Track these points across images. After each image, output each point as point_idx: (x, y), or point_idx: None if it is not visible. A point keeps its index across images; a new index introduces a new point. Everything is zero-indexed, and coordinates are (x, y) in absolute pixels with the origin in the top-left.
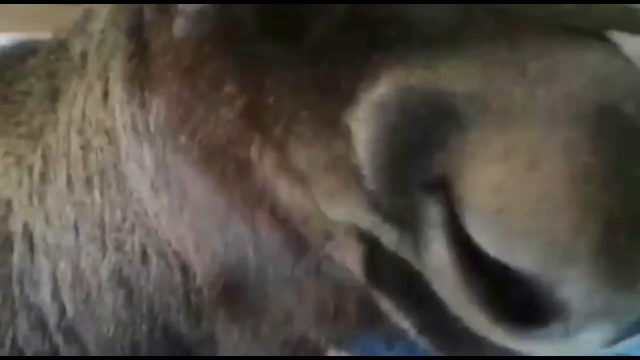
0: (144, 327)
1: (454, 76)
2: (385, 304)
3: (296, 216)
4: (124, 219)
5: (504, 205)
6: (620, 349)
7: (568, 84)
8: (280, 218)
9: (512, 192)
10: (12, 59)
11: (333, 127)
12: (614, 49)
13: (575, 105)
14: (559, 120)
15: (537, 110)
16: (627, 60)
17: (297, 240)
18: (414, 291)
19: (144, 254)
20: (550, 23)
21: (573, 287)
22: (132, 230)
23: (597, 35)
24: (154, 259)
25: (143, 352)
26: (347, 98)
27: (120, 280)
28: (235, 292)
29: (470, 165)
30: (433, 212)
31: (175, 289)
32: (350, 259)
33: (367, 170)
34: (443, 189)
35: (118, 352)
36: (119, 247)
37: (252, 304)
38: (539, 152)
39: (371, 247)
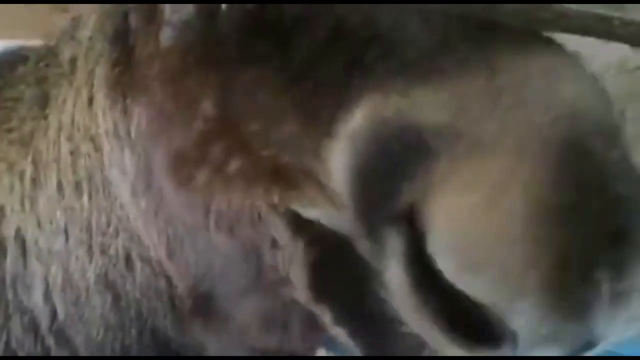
0: (134, 331)
1: (428, 107)
2: (325, 316)
3: (245, 221)
4: (108, 224)
5: (464, 234)
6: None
7: (539, 116)
8: (231, 227)
9: (473, 223)
10: (2, 66)
11: (313, 152)
12: (583, 68)
13: (543, 140)
14: (525, 155)
15: (506, 143)
16: (595, 83)
17: (250, 251)
18: (358, 305)
19: (128, 259)
20: (526, 36)
21: (522, 317)
22: (116, 234)
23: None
24: (138, 264)
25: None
26: (327, 126)
27: (107, 284)
28: (206, 302)
29: (436, 193)
30: (396, 241)
31: (161, 294)
32: (295, 269)
33: (343, 197)
34: (409, 217)
35: (108, 355)
36: (103, 251)
37: (220, 314)
38: (501, 186)
39: (321, 255)
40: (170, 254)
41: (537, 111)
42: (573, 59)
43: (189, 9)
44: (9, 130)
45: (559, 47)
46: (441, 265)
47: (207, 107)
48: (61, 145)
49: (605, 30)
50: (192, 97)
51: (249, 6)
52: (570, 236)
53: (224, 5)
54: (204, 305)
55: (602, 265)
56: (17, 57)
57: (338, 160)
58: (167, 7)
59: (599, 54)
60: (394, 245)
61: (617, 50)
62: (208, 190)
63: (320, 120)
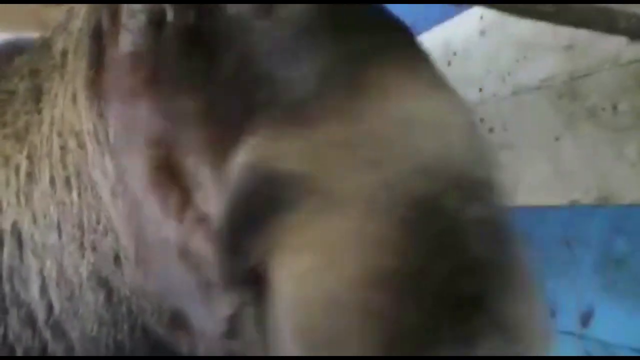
0: (126, 326)
1: (288, 156)
2: None
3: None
4: (98, 222)
5: (297, 299)
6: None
7: (392, 172)
8: (192, 261)
9: (307, 287)
10: None
11: (216, 182)
12: (457, 110)
13: (391, 199)
14: (373, 214)
15: (355, 202)
16: (465, 129)
17: (205, 282)
18: None
19: (117, 257)
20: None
21: None
22: (105, 233)
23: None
24: (125, 262)
25: (127, 352)
26: (226, 152)
27: (100, 280)
28: (179, 318)
29: (280, 252)
30: (250, 304)
31: (147, 294)
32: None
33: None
34: (259, 276)
35: (103, 350)
36: (94, 249)
37: (194, 329)
38: (340, 248)
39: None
40: (137, 260)
41: (391, 166)
42: (448, 98)
43: (141, 16)
44: (4, 125)
45: (439, 84)
46: (280, 334)
47: (155, 124)
48: (53, 140)
49: (606, 23)
50: (143, 114)
51: (189, 16)
52: (405, 307)
53: (169, 15)
54: (179, 320)
55: (442, 341)
56: (14, 49)
57: (221, 201)
58: (124, 11)
59: (593, 48)
60: (249, 309)
61: (612, 45)
62: (186, 235)
63: (224, 149)
